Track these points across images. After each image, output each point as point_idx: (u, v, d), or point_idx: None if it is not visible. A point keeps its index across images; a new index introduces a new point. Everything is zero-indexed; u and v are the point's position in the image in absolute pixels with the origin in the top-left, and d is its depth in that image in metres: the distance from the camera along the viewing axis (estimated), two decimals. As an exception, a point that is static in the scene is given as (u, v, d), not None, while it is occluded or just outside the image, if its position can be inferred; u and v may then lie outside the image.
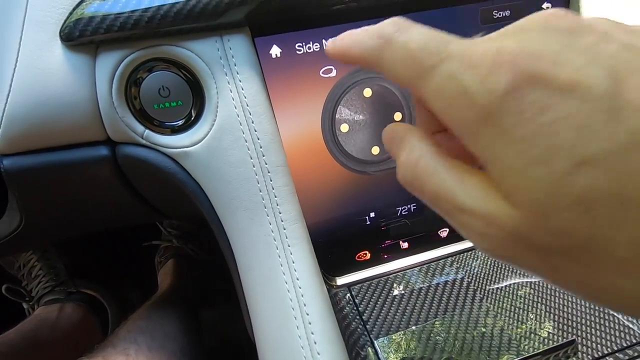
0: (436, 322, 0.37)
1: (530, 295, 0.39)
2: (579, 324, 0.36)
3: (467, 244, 0.45)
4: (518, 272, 0.41)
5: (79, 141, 0.32)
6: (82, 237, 0.54)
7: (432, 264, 0.43)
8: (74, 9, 0.29)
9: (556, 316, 0.36)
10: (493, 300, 0.38)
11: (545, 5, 0.39)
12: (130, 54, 0.30)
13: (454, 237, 0.45)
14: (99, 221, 0.49)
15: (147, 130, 0.32)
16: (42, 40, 0.28)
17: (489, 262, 0.43)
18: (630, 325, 0.35)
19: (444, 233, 0.44)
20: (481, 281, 0.41)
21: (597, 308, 0.37)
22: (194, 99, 0.32)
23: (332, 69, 0.35)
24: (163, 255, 0.84)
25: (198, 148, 0.32)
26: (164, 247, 0.85)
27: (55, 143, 0.32)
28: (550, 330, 0.35)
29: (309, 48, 0.34)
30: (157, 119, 0.32)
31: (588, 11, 0.38)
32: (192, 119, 0.32)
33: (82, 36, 0.28)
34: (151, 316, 0.53)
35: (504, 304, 0.38)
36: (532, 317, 0.36)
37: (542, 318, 0.36)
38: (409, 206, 0.42)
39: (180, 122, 0.32)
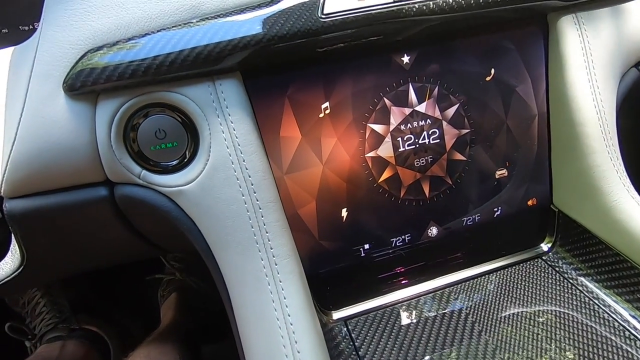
0: (442, 356, 0.36)
1: (550, 321, 0.38)
2: (602, 353, 0.34)
3: (464, 274, 0.45)
4: (516, 302, 0.41)
5: (79, 183, 0.34)
6: (86, 272, 0.55)
7: (430, 295, 0.43)
8: (77, 62, 0.31)
9: (578, 343, 0.35)
10: (494, 332, 0.38)
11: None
12: (128, 100, 0.31)
13: (451, 267, 0.45)
14: (101, 258, 0.50)
15: (143, 171, 0.33)
16: (46, 91, 0.31)
17: (489, 291, 0.42)
18: None
19: (440, 263, 0.44)
20: (483, 311, 0.40)
21: (627, 336, 0.36)
22: (188, 139, 0.33)
23: (327, 107, 0.37)
24: (166, 288, 0.84)
25: (192, 186, 0.33)
26: (167, 280, 0.85)
27: (56, 185, 0.33)
28: None
29: (301, 88, 0.36)
30: (153, 160, 0.33)
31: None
32: (187, 159, 0.33)
33: (83, 86, 0.30)
34: (150, 354, 0.53)
35: (505, 336, 0.37)
36: (556, 346, 0.35)
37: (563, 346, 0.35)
38: (403, 237, 0.42)
39: (174, 162, 0.33)
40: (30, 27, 0.50)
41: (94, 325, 0.77)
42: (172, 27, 0.31)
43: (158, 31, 0.31)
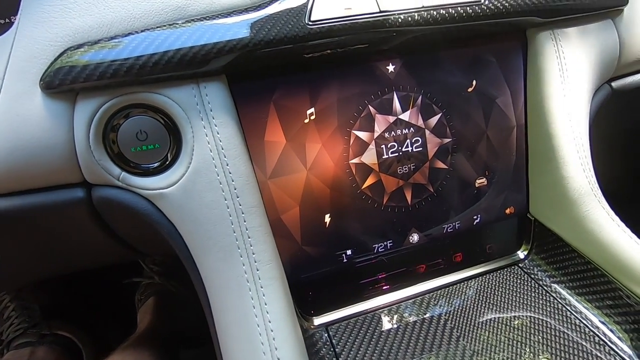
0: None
1: (524, 327, 0.39)
2: (574, 358, 0.35)
3: (445, 280, 0.45)
4: (493, 308, 0.42)
5: (54, 184, 0.33)
6: (60, 275, 0.53)
7: (411, 300, 0.43)
8: (55, 59, 0.30)
9: (552, 349, 0.36)
10: (472, 337, 0.38)
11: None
12: (109, 100, 0.31)
13: (431, 273, 0.45)
14: (76, 262, 0.48)
15: (123, 173, 0.32)
16: (22, 88, 0.30)
17: (468, 297, 0.43)
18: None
19: (420, 269, 0.45)
20: (462, 316, 0.41)
21: (597, 342, 0.37)
22: (171, 142, 0.33)
23: (313, 112, 0.37)
24: (144, 292, 0.82)
25: (173, 190, 0.32)
26: (145, 284, 0.83)
27: (30, 186, 0.32)
28: None
29: (287, 93, 0.36)
30: (134, 162, 0.32)
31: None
32: (168, 161, 0.33)
33: (62, 84, 0.29)
34: (125, 359, 0.51)
35: (482, 341, 0.38)
36: (529, 351, 0.36)
37: (537, 351, 0.36)
38: (385, 243, 0.43)
39: (156, 164, 0.33)
40: (7, 20, 0.48)
41: (66, 330, 0.74)
42: (157, 27, 0.31)
43: (142, 31, 0.30)
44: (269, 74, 0.35)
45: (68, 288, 0.83)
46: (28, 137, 0.30)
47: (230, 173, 0.32)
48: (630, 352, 0.36)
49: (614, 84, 0.48)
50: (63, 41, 0.30)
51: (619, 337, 0.37)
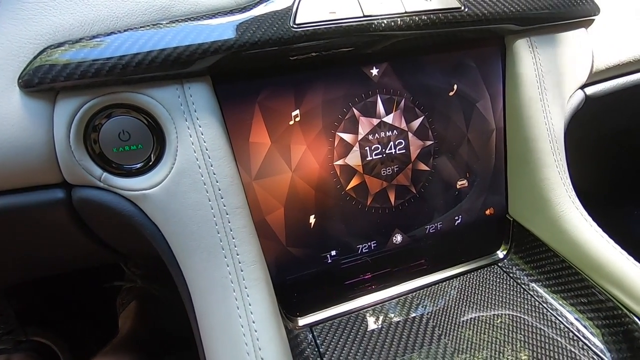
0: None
1: (504, 325, 0.40)
2: (551, 354, 0.37)
3: (427, 280, 0.46)
4: (474, 307, 0.43)
5: (32, 184, 0.32)
6: (37, 278, 0.51)
7: (394, 300, 0.44)
8: (35, 57, 0.29)
9: (530, 345, 0.37)
10: (454, 335, 0.39)
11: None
12: (90, 100, 0.30)
13: (414, 273, 0.46)
14: (54, 264, 0.47)
15: (105, 173, 0.32)
16: (-1, 86, 0.29)
17: (450, 296, 0.44)
18: (603, 357, 0.36)
19: (404, 269, 0.45)
20: (444, 315, 0.42)
21: (571, 338, 0.38)
22: (154, 142, 0.32)
23: (297, 114, 0.37)
24: (126, 296, 0.80)
25: (157, 190, 0.32)
26: (127, 288, 0.81)
27: (8, 186, 0.31)
28: None
29: (273, 95, 0.36)
30: (116, 162, 0.32)
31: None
32: (152, 162, 0.32)
33: (41, 83, 0.29)
34: (106, 365, 0.50)
35: (463, 339, 0.39)
36: (509, 348, 0.37)
37: (519, 349, 0.37)
38: (369, 243, 0.43)
39: (139, 165, 0.32)
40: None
41: (43, 337, 0.72)
42: (140, 27, 0.31)
43: (125, 31, 0.30)
44: (254, 75, 0.35)
45: (46, 292, 0.80)
46: (6, 136, 0.29)
47: (214, 174, 0.32)
48: (601, 346, 0.37)
49: (587, 90, 0.50)
50: (43, 39, 0.29)
51: (591, 333, 0.38)
